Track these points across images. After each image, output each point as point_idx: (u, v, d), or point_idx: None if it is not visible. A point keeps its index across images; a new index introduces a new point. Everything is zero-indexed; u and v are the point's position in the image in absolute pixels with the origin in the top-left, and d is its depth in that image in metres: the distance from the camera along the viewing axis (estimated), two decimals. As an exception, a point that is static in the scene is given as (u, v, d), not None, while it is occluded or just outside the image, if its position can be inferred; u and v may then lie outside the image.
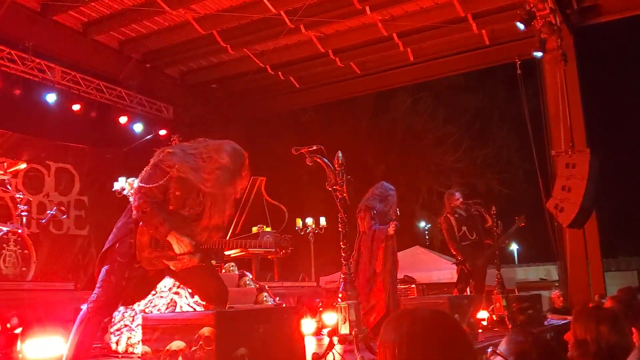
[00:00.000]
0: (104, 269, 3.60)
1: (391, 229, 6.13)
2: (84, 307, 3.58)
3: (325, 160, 4.48)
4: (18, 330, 4.89)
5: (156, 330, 3.02)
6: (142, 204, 3.50)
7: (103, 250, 3.68)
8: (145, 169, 3.62)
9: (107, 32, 10.44)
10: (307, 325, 6.83)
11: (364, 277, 6.11)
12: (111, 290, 3.54)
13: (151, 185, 3.49)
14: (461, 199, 7.50)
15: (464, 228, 7.37)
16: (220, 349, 2.81)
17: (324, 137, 16.20)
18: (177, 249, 3.49)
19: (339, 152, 4.50)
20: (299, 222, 10.63)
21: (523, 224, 7.35)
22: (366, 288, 6.02)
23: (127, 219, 3.70)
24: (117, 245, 3.62)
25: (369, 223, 6.25)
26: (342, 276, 4.31)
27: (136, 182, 3.69)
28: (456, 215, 7.41)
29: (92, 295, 3.57)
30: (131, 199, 3.69)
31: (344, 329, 4.15)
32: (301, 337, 3.38)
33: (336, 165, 4.44)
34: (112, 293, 3.56)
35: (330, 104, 15.85)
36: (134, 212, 3.54)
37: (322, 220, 10.61)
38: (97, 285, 3.59)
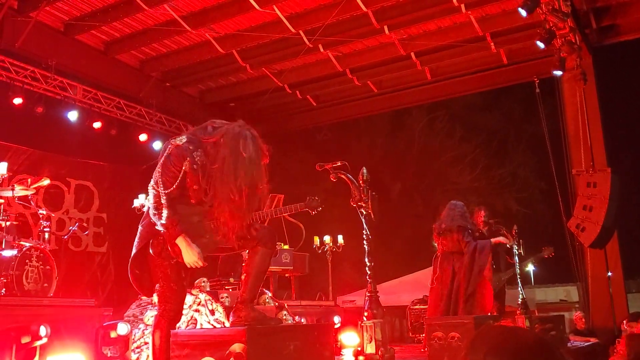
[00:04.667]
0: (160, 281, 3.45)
1: (503, 240, 6.88)
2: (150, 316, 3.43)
3: (350, 176, 4.47)
4: (43, 341, 4.88)
5: (186, 347, 3.00)
6: (158, 200, 3.36)
7: (133, 253, 3.53)
8: (157, 169, 3.46)
9: (128, 51, 10.60)
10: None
11: (462, 290, 6.40)
12: (178, 296, 3.50)
13: (166, 177, 3.35)
14: (484, 219, 7.56)
15: None
16: (250, 366, 2.78)
17: (339, 155, 16.10)
18: (185, 256, 3.32)
19: (364, 168, 4.48)
20: (317, 240, 10.56)
21: (549, 256, 7.38)
22: (469, 298, 6.36)
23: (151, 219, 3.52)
24: (153, 247, 3.45)
25: (466, 240, 6.53)
26: (367, 294, 4.26)
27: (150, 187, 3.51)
28: (477, 234, 7.33)
29: (161, 306, 3.46)
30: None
31: (370, 349, 4.10)
32: (332, 355, 3.34)
33: (361, 182, 4.43)
34: (180, 299, 3.53)
35: (347, 122, 15.87)
36: (152, 212, 3.40)
37: (340, 239, 10.53)
38: (161, 297, 3.46)
